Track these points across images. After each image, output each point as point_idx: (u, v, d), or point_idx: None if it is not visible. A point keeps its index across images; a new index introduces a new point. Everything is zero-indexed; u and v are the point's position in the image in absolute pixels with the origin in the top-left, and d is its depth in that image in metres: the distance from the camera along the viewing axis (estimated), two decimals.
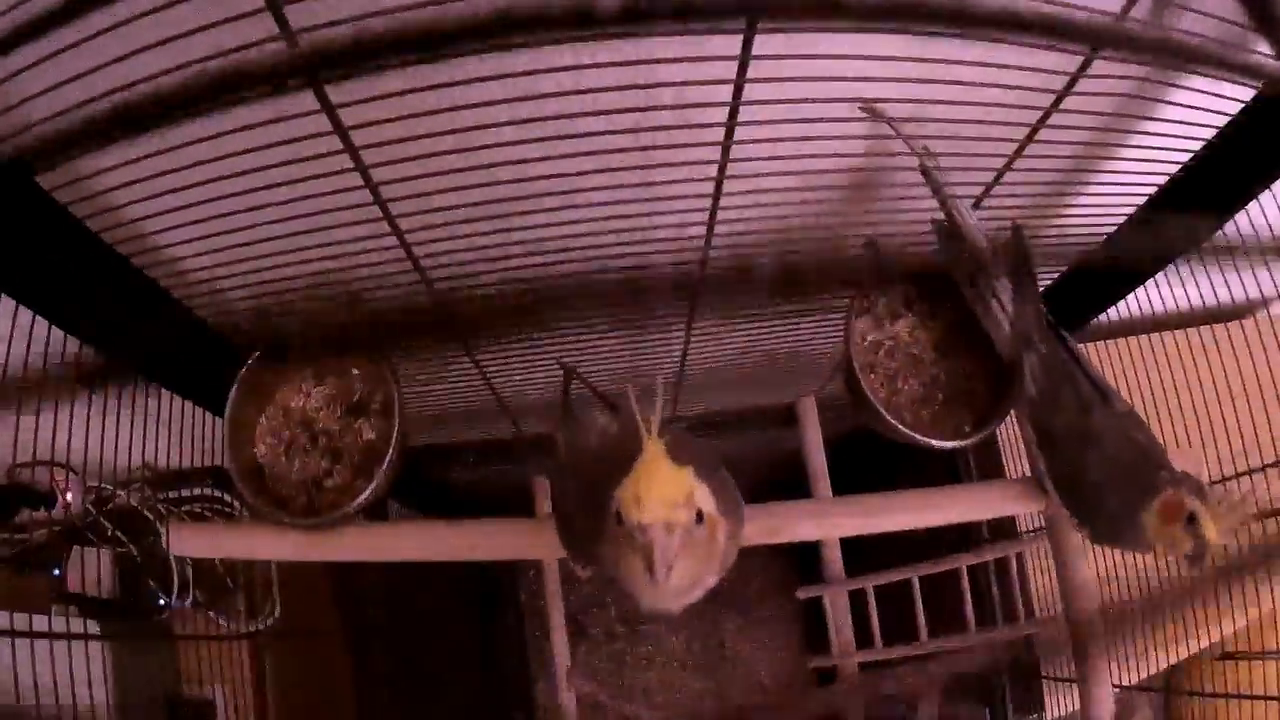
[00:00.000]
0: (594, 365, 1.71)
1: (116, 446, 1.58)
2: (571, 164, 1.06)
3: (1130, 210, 1.40)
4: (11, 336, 1.21)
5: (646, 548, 0.78)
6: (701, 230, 1.28)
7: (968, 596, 2.11)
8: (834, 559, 2.29)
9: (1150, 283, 1.55)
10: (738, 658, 3.86)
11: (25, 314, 1.14)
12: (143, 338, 1.33)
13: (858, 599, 2.30)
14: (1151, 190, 1.35)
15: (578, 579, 2.29)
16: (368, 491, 1.25)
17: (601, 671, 3.75)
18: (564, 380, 1.46)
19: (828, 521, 1.44)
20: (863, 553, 2.40)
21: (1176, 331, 1.86)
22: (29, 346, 1.23)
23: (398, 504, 2.55)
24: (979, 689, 2.68)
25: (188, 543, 1.32)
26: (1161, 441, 1.18)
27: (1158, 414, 1.70)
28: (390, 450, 1.26)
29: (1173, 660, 2.21)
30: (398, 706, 2.60)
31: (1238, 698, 2.01)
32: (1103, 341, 1.88)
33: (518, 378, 1.79)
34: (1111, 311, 1.67)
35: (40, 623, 1.74)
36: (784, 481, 2.44)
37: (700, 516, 0.81)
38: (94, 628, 1.92)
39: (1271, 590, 1.90)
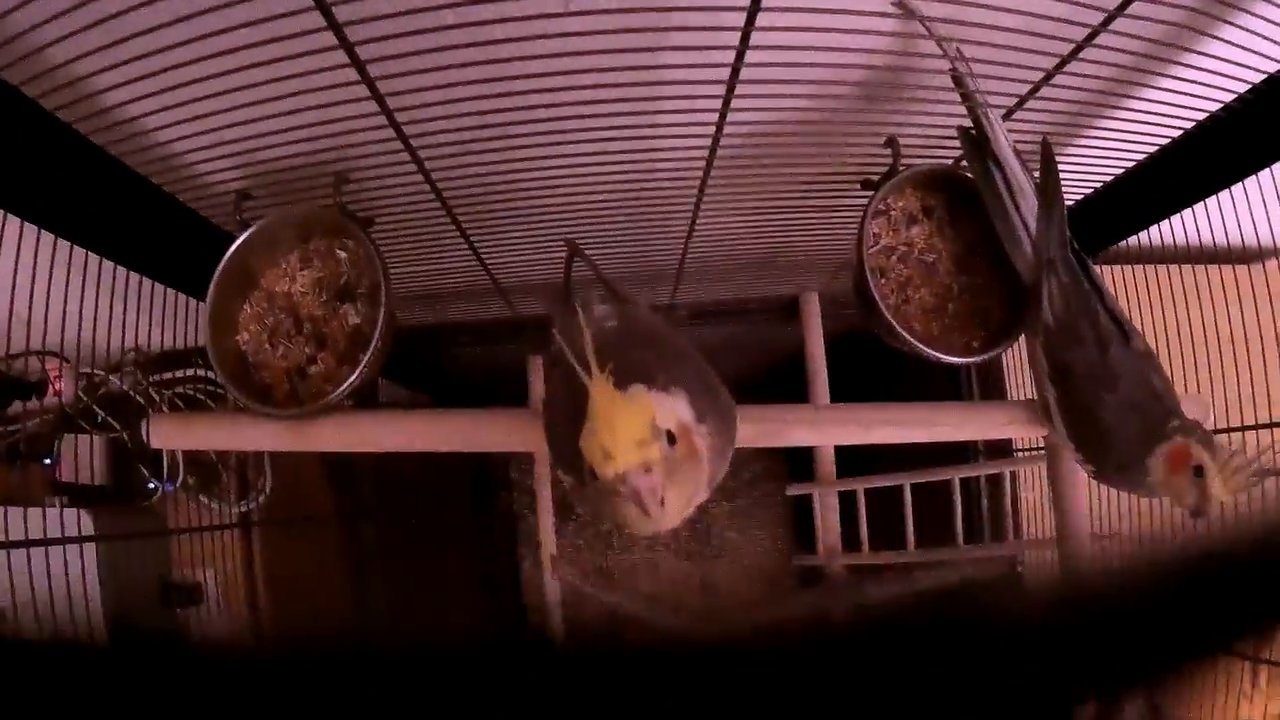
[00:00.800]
0: (597, 247, 1.66)
1: (109, 332, 1.54)
2: (578, 42, 1.00)
3: (1166, 140, 1.34)
4: None
5: (632, 496, 0.75)
6: (714, 118, 1.22)
7: (959, 509, 2.09)
8: (826, 458, 2.26)
9: (1176, 216, 1.49)
10: (724, 545, 3.89)
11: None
12: (122, 225, 1.28)
13: (847, 501, 2.28)
14: (1190, 124, 1.28)
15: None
16: (352, 379, 1.21)
17: (587, 552, 3.77)
18: (566, 259, 1.41)
19: (823, 430, 1.39)
20: (856, 454, 2.37)
21: (1196, 266, 1.79)
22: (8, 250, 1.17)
23: (390, 383, 2.52)
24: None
25: (169, 436, 1.28)
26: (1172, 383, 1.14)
27: (1168, 352, 1.65)
28: (376, 336, 1.22)
29: None
30: (387, 585, 2.61)
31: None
32: (1115, 266, 1.82)
33: (514, 257, 1.74)
34: (1137, 239, 1.61)
35: (34, 516, 1.73)
36: (781, 376, 2.41)
37: (671, 437, 0.77)
38: (86, 520, 1.92)
39: None
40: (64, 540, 1.74)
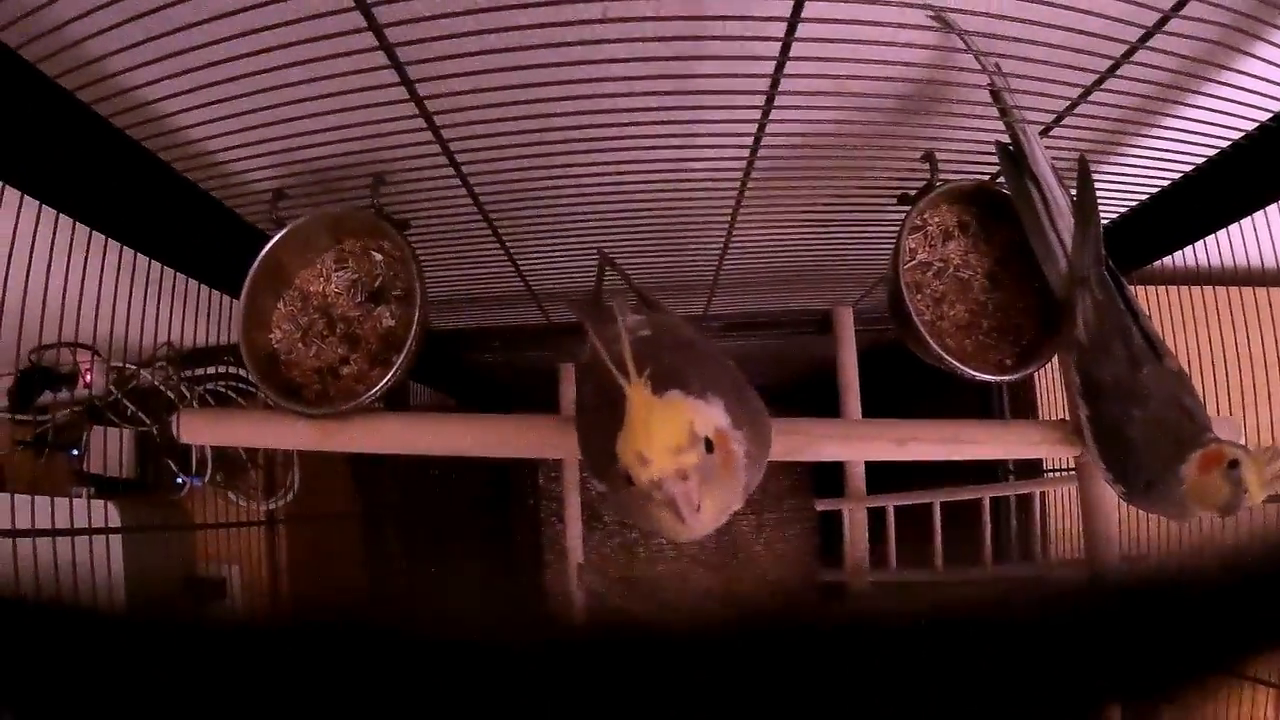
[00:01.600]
0: (631, 257, 1.66)
1: (142, 327, 1.55)
2: (615, 49, 1.00)
3: (1203, 159, 1.33)
4: (17, 230, 1.17)
5: (668, 502, 0.74)
6: (752, 129, 1.22)
7: (988, 528, 2.07)
8: (856, 474, 2.25)
9: (1211, 236, 1.48)
10: (750, 559, 3.87)
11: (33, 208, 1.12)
12: (158, 220, 1.29)
13: (876, 518, 2.27)
14: (1226, 144, 1.27)
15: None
16: (385, 380, 1.21)
17: (613, 562, 3.77)
18: (598, 269, 1.41)
19: (855, 445, 1.39)
20: (884, 471, 2.37)
21: (1231, 288, 1.78)
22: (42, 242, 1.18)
23: (420, 386, 2.53)
24: None
25: (197, 431, 1.28)
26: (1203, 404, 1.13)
27: (1200, 374, 1.64)
28: (410, 339, 1.22)
29: None
30: (409, 586, 2.61)
31: (1250, 680, 1.99)
32: (1149, 286, 1.81)
33: (548, 264, 1.74)
34: (1170, 259, 1.59)
35: (60, 506, 1.75)
36: (813, 391, 2.40)
37: (709, 444, 0.76)
38: (112, 513, 1.93)
39: None
40: (90, 531, 1.75)
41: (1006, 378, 1.27)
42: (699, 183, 1.40)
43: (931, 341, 1.23)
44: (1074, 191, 1.16)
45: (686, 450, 0.74)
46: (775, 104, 1.13)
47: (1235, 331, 1.76)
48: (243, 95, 1.05)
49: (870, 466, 2.27)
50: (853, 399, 2.19)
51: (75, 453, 2.08)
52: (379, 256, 1.30)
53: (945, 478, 2.15)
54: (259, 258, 1.25)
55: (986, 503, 2.07)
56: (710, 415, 0.79)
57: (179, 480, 2.18)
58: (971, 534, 2.10)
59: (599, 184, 1.38)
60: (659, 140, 1.23)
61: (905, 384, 1.99)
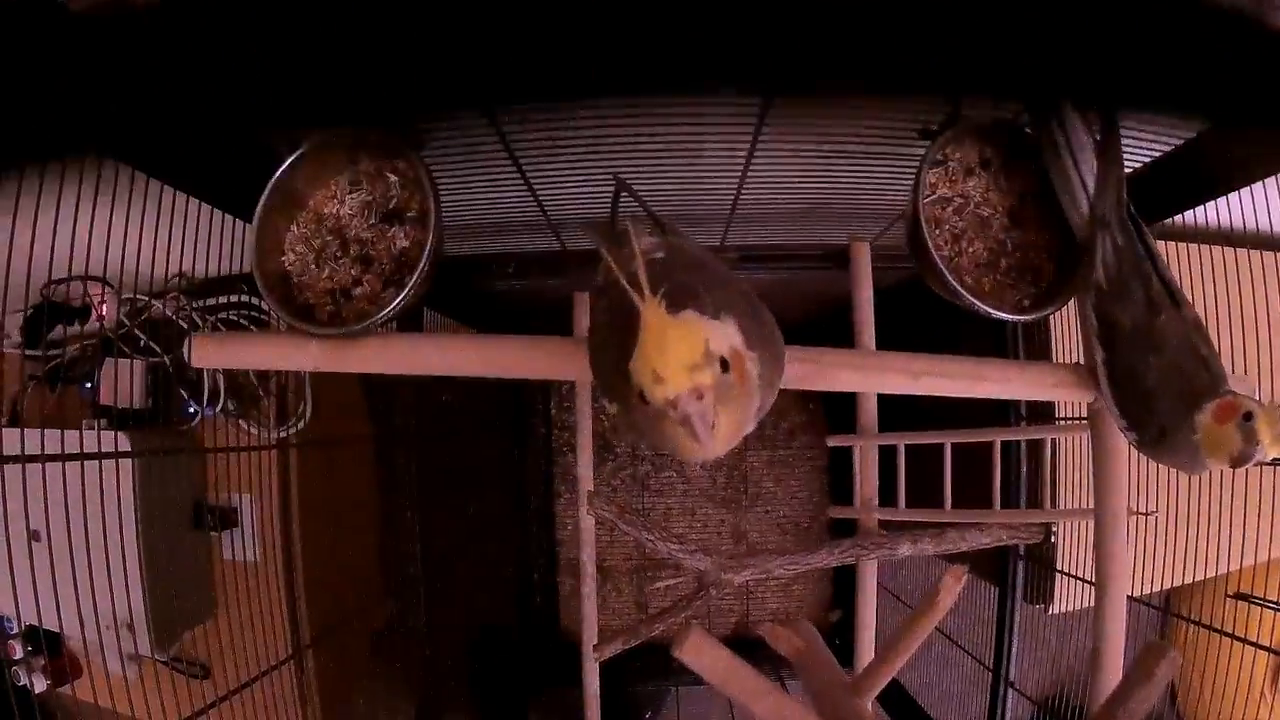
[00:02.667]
0: (648, 185, 1.65)
1: (154, 258, 1.55)
2: None
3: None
4: None
5: (683, 420, 0.74)
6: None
7: (998, 472, 2.07)
8: (869, 410, 2.25)
9: (1237, 194, 1.46)
10: (760, 494, 3.90)
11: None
12: (173, 145, 1.28)
13: (886, 458, 2.27)
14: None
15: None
16: (397, 301, 1.21)
17: (622, 493, 3.80)
18: (614, 195, 1.40)
19: (870, 375, 1.38)
20: (896, 411, 2.37)
21: (1249, 251, 1.76)
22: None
23: (436, 313, 2.54)
24: (993, 569, 2.69)
25: (209, 355, 1.28)
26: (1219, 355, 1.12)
27: (1216, 333, 1.63)
28: (423, 260, 1.21)
29: (1176, 582, 2.20)
30: (420, 513, 2.64)
31: (1243, 641, 2.01)
32: (1169, 242, 1.79)
33: (566, 191, 1.73)
34: (1191, 216, 1.57)
35: (72, 439, 1.76)
36: (829, 326, 2.39)
37: (724, 363, 0.76)
38: (124, 443, 1.95)
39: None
40: (99, 455, 1.77)
41: (1023, 317, 1.27)
42: (719, 109, 1.38)
43: (949, 276, 1.22)
44: (1099, 134, 1.14)
45: (702, 368, 0.73)
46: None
47: (1251, 294, 1.75)
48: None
49: (883, 407, 2.27)
50: (868, 335, 2.18)
51: (88, 386, 2.09)
52: (394, 177, 1.28)
53: (957, 422, 2.15)
54: (273, 179, 1.24)
55: (997, 446, 2.07)
56: (725, 335, 0.79)
57: (191, 410, 2.19)
58: (982, 477, 2.11)
59: (618, 108, 1.36)
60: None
61: (921, 324, 1.99)
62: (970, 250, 1.28)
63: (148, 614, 1.98)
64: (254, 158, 1.35)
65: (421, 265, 1.21)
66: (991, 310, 1.23)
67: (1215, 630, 2.11)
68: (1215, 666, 2.12)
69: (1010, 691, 2.68)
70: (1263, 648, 2.01)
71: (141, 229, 1.45)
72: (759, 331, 0.85)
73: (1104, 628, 1.47)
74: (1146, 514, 2.01)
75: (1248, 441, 1.02)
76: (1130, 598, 2.04)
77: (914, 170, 1.26)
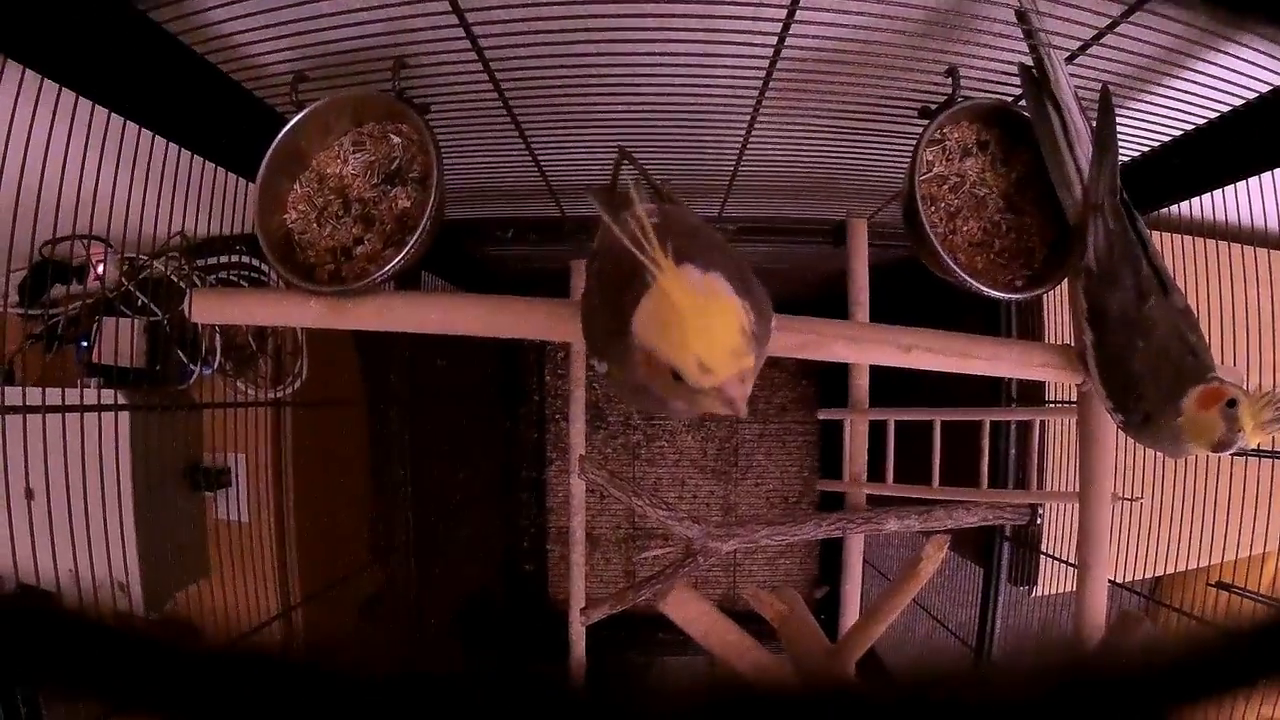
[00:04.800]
0: (648, 154, 1.66)
1: (156, 217, 1.56)
2: None
3: (1226, 109, 1.32)
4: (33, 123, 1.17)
5: (727, 402, 0.75)
6: (777, 28, 1.21)
7: (985, 451, 2.10)
8: (861, 385, 2.27)
9: (1232, 188, 1.48)
10: (751, 467, 3.92)
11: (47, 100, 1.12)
12: (175, 103, 1.29)
13: (876, 434, 2.29)
14: (1252, 95, 1.26)
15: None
16: (397, 260, 1.22)
17: (614, 461, 3.82)
18: (615, 161, 1.41)
19: (862, 347, 1.39)
20: (888, 390, 2.38)
21: (1239, 246, 1.78)
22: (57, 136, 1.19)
23: (434, 277, 2.55)
24: (978, 550, 2.72)
25: (209, 309, 1.29)
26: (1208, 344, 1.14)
27: (1207, 325, 1.65)
28: (424, 220, 1.23)
29: (1161, 571, 2.23)
30: (412, 478, 2.66)
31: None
32: (1166, 233, 1.81)
33: (566, 156, 1.74)
34: (1184, 208, 1.59)
35: (67, 397, 1.77)
36: (823, 301, 2.41)
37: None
38: (119, 399, 1.96)
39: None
40: (92, 408, 1.77)
41: (1015, 296, 1.28)
42: (720, 83, 1.40)
43: (943, 253, 1.24)
44: (1094, 120, 1.15)
45: (745, 353, 0.75)
46: (801, 4, 1.13)
47: (1243, 288, 1.77)
48: None
49: (875, 384, 2.29)
50: (862, 311, 2.20)
51: (84, 345, 2.10)
52: (397, 139, 1.29)
53: (948, 401, 2.17)
54: (277, 139, 1.25)
55: (986, 426, 2.09)
56: (747, 309, 0.79)
57: (188, 369, 2.20)
58: (970, 456, 2.12)
59: (621, 78, 1.37)
60: (682, 37, 1.23)
61: (915, 303, 2.00)
62: (965, 229, 1.29)
63: (140, 573, 1.99)
64: (258, 116, 1.36)
65: (423, 226, 1.22)
66: (984, 288, 1.25)
67: (1198, 619, 2.13)
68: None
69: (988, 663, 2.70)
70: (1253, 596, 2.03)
71: (145, 188, 1.46)
72: (749, 289, 0.86)
73: (1084, 610, 1.50)
74: (1131, 499, 2.03)
75: (1230, 428, 1.04)
76: (1116, 583, 2.06)
77: (911, 148, 1.28)
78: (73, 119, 1.18)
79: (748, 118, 1.53)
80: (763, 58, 1.29)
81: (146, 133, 1.33)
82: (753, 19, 1.18)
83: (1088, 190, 1.15)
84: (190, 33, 1.18)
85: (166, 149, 1.39)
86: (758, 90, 1.40)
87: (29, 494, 1.72)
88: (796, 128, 1.62)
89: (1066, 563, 2.27)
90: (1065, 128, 1.16)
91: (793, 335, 1.22)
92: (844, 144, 1.67)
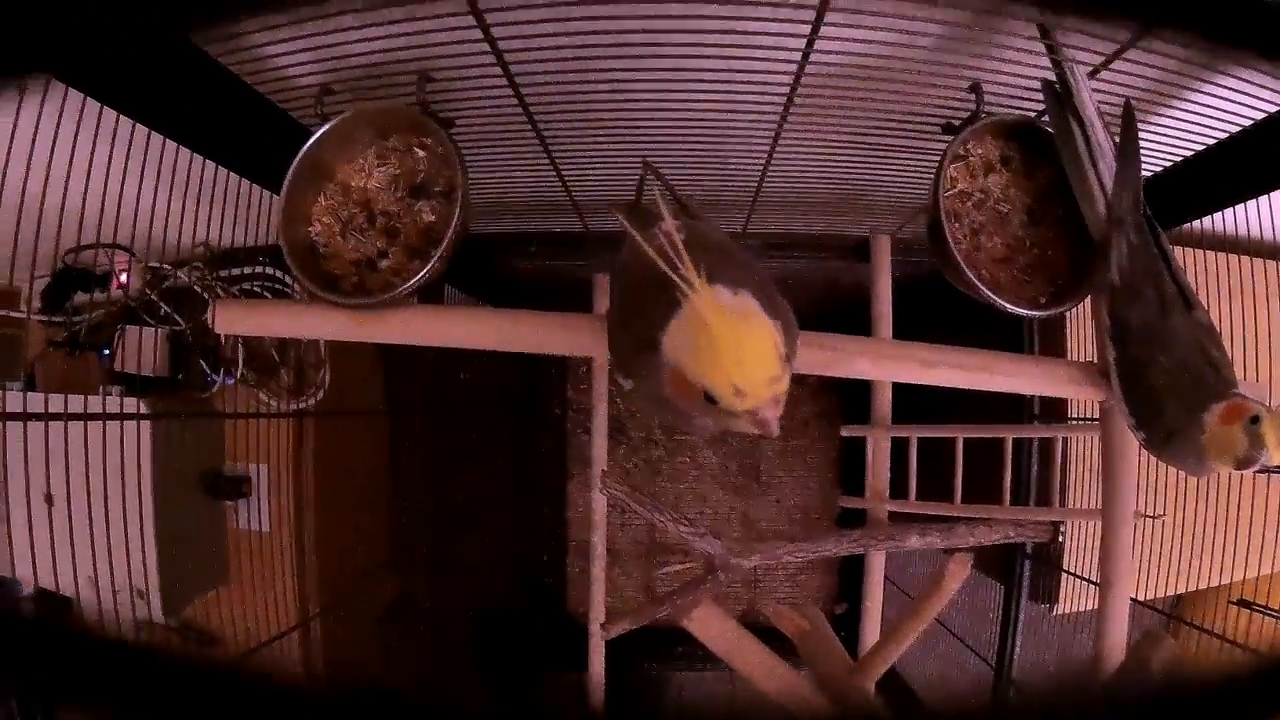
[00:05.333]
0: (673, 169, 1.67)
1: (180, 227, 1.57)
2: None
3: (1249, 123, 1.31)
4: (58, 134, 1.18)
5: (760, 424, 0.77)
6: (801, 44, 1.21)
7: (1008, 469, 2.09)
8: (883, 402, 2.27)
9: (1254, 203, 1.47)
10: (771, 483, 3.91)
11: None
12: (200, 114, 1.30)
13: (899, 450, 2.29)
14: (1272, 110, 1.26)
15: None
16: (422, 273, 1.23)
17: (635, 477, 3.81)
18: (640, 176, 1.42)
19: (885, 364, 1.39)
20: (910, 406, 2.38)
21: (1270, 261, 1.77)
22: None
23: (456, 290, 2.55)
24: (999, 567, 2.70)
25: (234, 320, 1.30)
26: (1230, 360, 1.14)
27: (1231, 338, 1.64)
28: (450, 233, 1.23)
29: (1183, 588, 2.21)
30: (432, 490, 2.67)
31: (1243, 648, 2.02)
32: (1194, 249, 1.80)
33: (590, 171, 1.74)
34: (1207, 223, 1.58)
35: (88, 404, 1.78)
36: (847, 317, 2.41)
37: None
38: (140, 407, 1.97)
39: None
40: (112, 416, 1.78)
41: (1038, 313, 1.28)
42: (745, 99, 1.40)
43: (967, 269, 1.24)
44: (1117, 135, 1.15)
45: (780, 378, 0.76)
46: (825, 21, 1.13)
47: (1262, 304, 1.76)
48: None
49: (897, 402, 2.29)
50: (885, 326, 2.20)
51: (106, 353, 2.11)
52: (422, 153, 1.30)
53: (971, 414, 2.16)
54: (302, 151, 1.26)
55: (1009, 443, 2.08)
56: (780, 331, 0.80)
57: (209, 379, 2.21)
58: (992, 473, 2.12)
59: (646, 93, 1.38)
60: (708, 52, 1.23)
61: (939, 319, 2.00)
62: (988, 245, 1.29)
63: (159, 579, 2.00)
64: (283, 129, 1.37)
65: (447, 239, 1.23)
66: (1008, 305, 1.25)
67: (1219, 637, 2.12)
68: None
69: (1012, 690, 2.69)
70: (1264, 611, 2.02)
71: (170, 197, 1.47)
72: (777, 311, 0.87)
73: (1106, 628, 1.49)
74: (1154, 517, 2.02)
75: (1253, 445, 1.03)
76: (1137, 601, 2.05)
77: (935, 164, 1.28)
78: (97, 128, 1.19)
79: (772, 133, 1.53)
80: (787, 73, 1.30)
81: (171, 143, 1.34)
82: (778, 34, 1.18)
83: (1111, 205, 1.15)
84: (216, 45, 1.19)
85: (191, 159, 1.40)
86: (782, 105, 1.41)
87: (49, 499, 1.73)
88: (821, 143, 1.62)
89: (1088, 580, 2.26)
90: (1088, 143, 1.16)
91: (820, 352, 1.22)
92: (868, 160, 1.67)
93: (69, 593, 1.71)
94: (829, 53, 1.24)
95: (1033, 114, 1.32)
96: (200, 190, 1.47)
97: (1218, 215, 1.52)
